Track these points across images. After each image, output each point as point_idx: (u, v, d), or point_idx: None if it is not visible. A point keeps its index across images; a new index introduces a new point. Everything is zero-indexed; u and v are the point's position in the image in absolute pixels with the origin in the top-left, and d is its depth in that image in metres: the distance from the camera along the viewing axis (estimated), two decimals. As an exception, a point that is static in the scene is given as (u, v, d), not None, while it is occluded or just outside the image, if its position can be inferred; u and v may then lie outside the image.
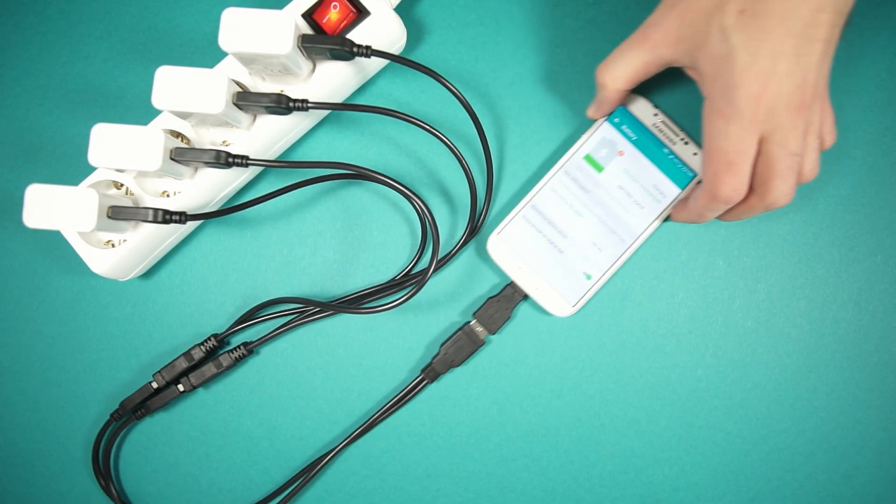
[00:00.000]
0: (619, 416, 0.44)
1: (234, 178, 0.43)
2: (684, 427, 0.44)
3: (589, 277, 0.43)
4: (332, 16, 0.41)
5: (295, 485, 0.44)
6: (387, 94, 0.46)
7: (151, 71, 0.46)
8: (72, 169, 0.46)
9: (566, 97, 0.45)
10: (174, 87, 0.37)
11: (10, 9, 0.47)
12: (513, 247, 0.43)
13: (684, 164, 0.42)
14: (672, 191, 0.42)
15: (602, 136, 0.43)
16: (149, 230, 0.42)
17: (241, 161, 0.40)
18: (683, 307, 0.44)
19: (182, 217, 0.40)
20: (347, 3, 0.41)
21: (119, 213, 0.39)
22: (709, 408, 0.44)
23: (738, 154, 0.34)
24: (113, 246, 0.42)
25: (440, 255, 0.44)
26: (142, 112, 0.46)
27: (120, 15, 0.46)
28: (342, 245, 0.45)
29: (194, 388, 0.44)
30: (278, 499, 0.44)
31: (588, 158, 0.43)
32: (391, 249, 0.45)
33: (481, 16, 0.45)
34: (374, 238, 0.45)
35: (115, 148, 0.38)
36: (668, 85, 0.44)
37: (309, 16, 0.41)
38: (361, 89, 0.45)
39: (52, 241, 0.46)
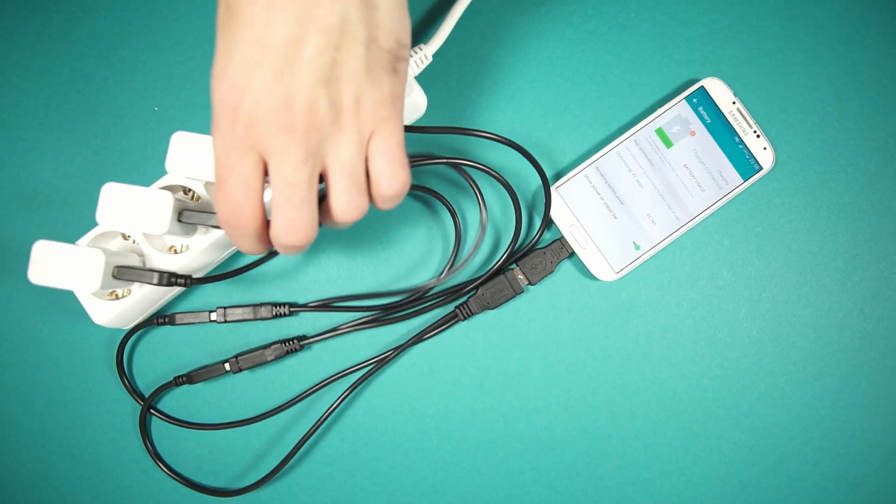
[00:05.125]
0: (626, 428, 0.44)
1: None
2: (691, 437, 0.44)
3: (637, 248, 0.43)
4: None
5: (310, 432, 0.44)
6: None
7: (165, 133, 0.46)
8: (77, 221, 0.46)
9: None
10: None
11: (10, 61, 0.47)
12: (569, 203, 0.43)
13: (753, 156, 0.43)
14: (735, 180, 0.43)
15: (677, 113, 0.43)
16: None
17: None
18: (689, 317, 0.44)
19: (187, 280, 0.40)
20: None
21: (124, 274, 0.38)
22: (715, 417, 0.44)
23: (224, 169, 0.29)
24: (117, 298, 0.41)
25: (458, 261, 0.45)
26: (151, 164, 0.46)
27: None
28: (347, 248, 0.45)
29: (241, 370, 0.44)
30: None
31: (659, 132, 0.43)
32: (400, 252, 0.45)
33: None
34: (379, 240, 0.45)
35: (124, 209, 0.37)
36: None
37: None
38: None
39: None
